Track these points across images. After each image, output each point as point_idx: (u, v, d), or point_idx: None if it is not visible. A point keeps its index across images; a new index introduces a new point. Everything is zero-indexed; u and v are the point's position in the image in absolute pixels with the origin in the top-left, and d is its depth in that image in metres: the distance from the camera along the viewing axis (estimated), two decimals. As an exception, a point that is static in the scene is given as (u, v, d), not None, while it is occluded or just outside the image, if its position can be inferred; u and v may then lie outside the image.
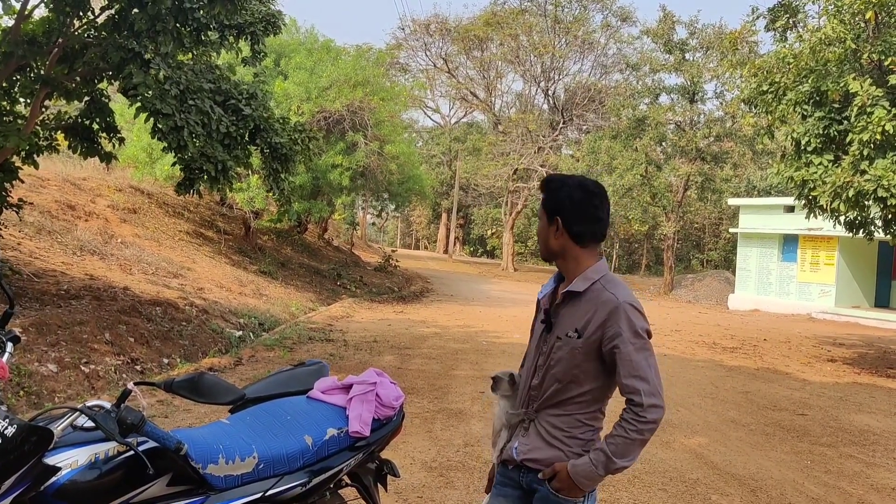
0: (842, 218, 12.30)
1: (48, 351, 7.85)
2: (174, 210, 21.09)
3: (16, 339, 2.76)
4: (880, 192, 10.38)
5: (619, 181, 31.54)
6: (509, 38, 43.04)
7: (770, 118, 12.63)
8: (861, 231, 12.88)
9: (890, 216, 11.64)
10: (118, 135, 11.01)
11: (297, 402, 3.29)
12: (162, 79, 8.68)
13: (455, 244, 57.35)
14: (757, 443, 7.37)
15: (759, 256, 27.12)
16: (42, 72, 9.77)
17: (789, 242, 26.09)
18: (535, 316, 2.80)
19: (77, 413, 2.43)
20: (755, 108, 13.35)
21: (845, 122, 11.12)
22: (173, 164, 10.03)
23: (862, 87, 10.59)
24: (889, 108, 10.39)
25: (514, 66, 45.38)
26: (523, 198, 44.07)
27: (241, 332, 12.11)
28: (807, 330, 19.68)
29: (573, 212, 2.58)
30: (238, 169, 11.16)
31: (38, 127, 10.36)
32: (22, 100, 10.40)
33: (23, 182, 11.31)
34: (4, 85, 9.77)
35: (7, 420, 2.30)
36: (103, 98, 10.70)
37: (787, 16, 13.41)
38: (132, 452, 2.43)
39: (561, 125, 44.05)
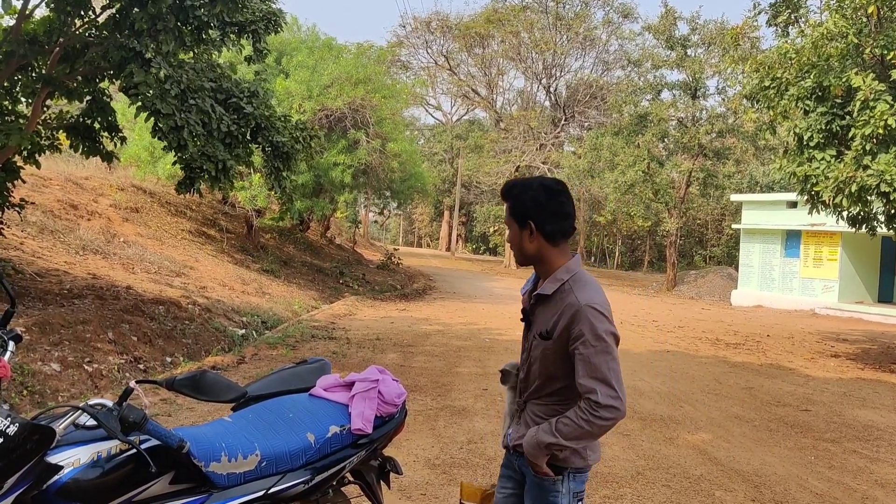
0: (845, 213, 12.28)
1: (51, 350, 7.86)
2: (176, 209, 21.10)
3: (17, 338, 2.76)
4: (883, 187, 10.35)
5: (621, 178, 31.51)
6: (511, 35, 43.02)
7: (772, 113, 12.60)
8: (864, 226, 12.86)
9: (893, 211, 11.61)
10: (119, 134, 11.02)
11: (300, 399, 3.29)
12: (163, 78, 8.69)
13: (457, 242, 57.39)
14: (760, 439, 7.36)
15: (762, 252, 27.07)
16: (43, 71, 9.78)
17: (792, 238, 26.05)
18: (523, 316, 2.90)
19: (79, 411, 2.43)
20: (757, 103, 13.32)
21: (848, 117, 11.10)
22: (174, 164, 10.04)
23: (864, 82, 10.57)
24: (891, 102, 10.37)
25: (516, 63, 45.39)
26: (526, 195, 43.93)
27: (243, 331, 12.12)
28: (810, 326, 19.66)
29: (543, 212, 2.63)
30: (240, 168, 11.16)
31: (39, 126, 10.36)
32: (23, 99, 10.41)
33: (25, 182, 11.32)
34: (6, 84, 9.77)
35: (9, 419, 2.30)
36: (105, 97, 10.71)
37: (789, 11, 13.38)
38: (134, 451, 2.43)
39: (563, 122, 44.04)
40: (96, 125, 10.70)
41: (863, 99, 10.53)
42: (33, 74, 9.93)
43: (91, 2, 9.22)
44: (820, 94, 11.47)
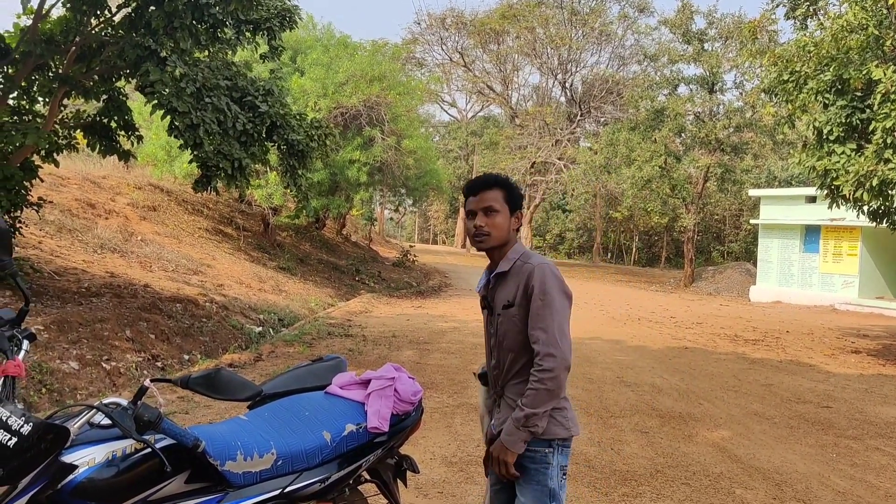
0: (865, 208, 12.12)
1: (69, 348, 7.90)
2: (193, 207, 21.19)
3: (31, 337, 2.75)
4: (904, 181, 10.22)
5: (637, 173, 31.32)
6: (526, 30, 42.82)
7: (791, 107, 12.46)
8: (885, 221, 12.70)
9: (915, 205, 11.46)
10: (136, 133, 11.06)
11: (316, 397, 3.27)
12: (178, 76, 8.71)
13: (473, 238, 57.15)
14: (781, 436, 7.28)
15: (781, 248, 26.83)
16: (60, 71, 9.83)
17: (811, 233, 25.79)
18: (482, 311, 3.11)
19: (94, 410, 2.42)
20: (775, 97, 13.17)
21: (868, 110, 10.95)
22: (190, 162, 10.07)
23: (885, 75, 10.41)
24: (913, 94, 10.22)
25: (531, 58, 45.19)
26: (541, 191, 43.92)
27: (260, 328, 12.15)
28: (830, 321, 19.45)
29: (522, 202, 3.01)
30: (255, 166, 11.18)
31: (56, 126, 10.43)
32: (41, 99, 10.47)
33: (42, 181, 11.39)
34: (23, 84, 9.84)
35: (23, 418, 2.29)
36: (121, 96, 10.76)
37: (808, 3, 13.23)
38: (150, 450, 2.41)
39: (578, 117, 43.82)
40: (113, 124, 10.75)
41: (884, 91, 10.37)
42: (50, 74, 9.99)
43: (107, 1, 9.25)
44: (840, 87, 11.32)
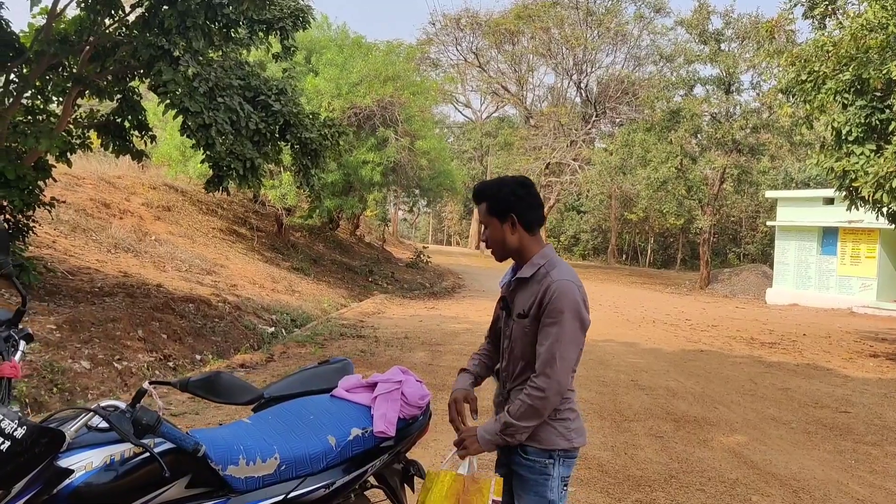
0: (884, 209, 11.95)
1: (81, 348, 7.89)
2: (207, 207, 21.24)
3: (29, 338, 2.70)
4: (926, 183, 10.07)
5: (653, 174, 31.16)
6: (541, 31, 42.72)
7: (808, 108, 12.32)
8: (905, 223, 12.53)
9: (936, 207, 11.28)
10: (150, 132, 11.06)
11: (321, 401, 3.20)
12: (191, 76, 8.70)
13: (487, 240, 57.08)
14: (798, 441, 7.16)
15: (798, 250, 26.59)
16: (74, 70, 9.85)
17: (829, 235, 25.54)
18: (497, 304, 3.10)
19: (91, 413, 2.36)
20: (793, 97, 13.05)
21: (888, 110, 10.81)
22: (202, 162, 10.06)
23: (906, 74, 10.27)
24: (935, 95, 10.06)
25: (546, 59, 45.09)
26: (556, 192, 43.74)
27: (273, 329, 12.13)
28: (848, 324, 19.23)
29: (522, 204, 2.82)
30: (268, 166, 11.16)
31: (70, 125, 10.45)
32: (55, 98, 10.49)
33: (56, 181, 11.42)
34: (38, 84, 9.86)
35: (17, 421, 2.23)
36: (135, 96, 10.77)
37: (826, 3, 13.08)
38: (148, 454, 2.35)
39: (594, 118, 43.65)
40: (126, 124, 10.77)
41: (904, 91, 10.24)
42: (64, 73, 10.01)
43: (121, 0, 9.26)
44: (859, 86, 11.18)
